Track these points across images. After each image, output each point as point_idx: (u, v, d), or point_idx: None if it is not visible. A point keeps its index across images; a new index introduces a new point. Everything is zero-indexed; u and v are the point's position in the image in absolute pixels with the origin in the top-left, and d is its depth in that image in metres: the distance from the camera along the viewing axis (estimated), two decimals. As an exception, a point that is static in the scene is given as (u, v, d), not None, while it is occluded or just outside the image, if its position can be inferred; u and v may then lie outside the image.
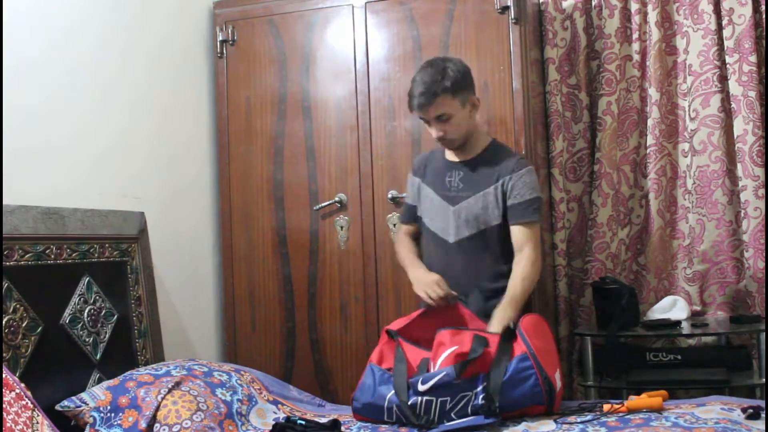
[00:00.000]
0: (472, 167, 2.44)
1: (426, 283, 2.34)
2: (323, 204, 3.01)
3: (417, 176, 2.57)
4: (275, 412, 2.22)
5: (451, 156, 2.50)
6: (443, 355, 2.10)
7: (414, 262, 2.51)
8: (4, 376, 1.75)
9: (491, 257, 2.43)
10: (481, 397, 2.01)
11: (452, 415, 2.02)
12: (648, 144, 3.16)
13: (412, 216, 2.60)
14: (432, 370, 2.10)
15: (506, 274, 2.38)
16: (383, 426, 2.07)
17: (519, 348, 2.08)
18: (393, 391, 2.08)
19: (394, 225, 2.87)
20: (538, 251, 2.39)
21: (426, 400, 2.03)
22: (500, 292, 2.34)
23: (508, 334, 2.11)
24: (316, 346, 3.03)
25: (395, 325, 2.30)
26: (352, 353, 2.98)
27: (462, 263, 2.42)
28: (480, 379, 2.04)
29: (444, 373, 2.03)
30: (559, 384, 2.09)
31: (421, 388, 2.04)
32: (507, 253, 2.41)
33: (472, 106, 2.41)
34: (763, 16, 2.98)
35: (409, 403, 2.04)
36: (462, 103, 2.36)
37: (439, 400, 2.03)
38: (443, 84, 2.30)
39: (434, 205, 2.48)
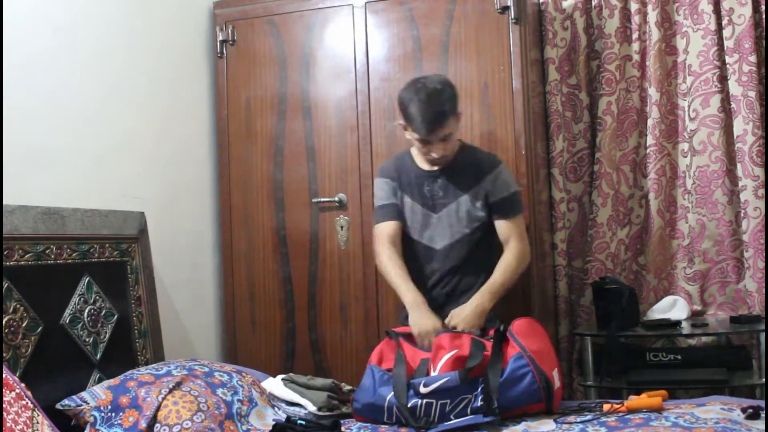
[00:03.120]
0: (449, 174, 2.48)
1: (424, 332, 2.28)
2: (322, 199, 3.02)
3: (394, 182, 2.54)
4: (275, 415, 2.22)
5: (424, 165, 2.51)
6: (443, 359, 2.11)
7: (410, 291, 2.39)
8: (4, 376, 1.75)
9: (477, 258, 2.49)
10: (480, 398, 2.01)
11: (451, 416, 2.03)
12: (648, 144, 3.16)
13: (395, 213, 2.51)
14: (432, 373, 2.10)
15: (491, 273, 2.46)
16: (383, 426, 2.07)
17: (512, 350, 2.09)
18: (392, 394, 2.08)
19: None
20: (525, 242, 2.47)
21: (426, 402, 2.04)
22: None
23: (499, 337, 2.12)
24: (316, 346, 3.04)
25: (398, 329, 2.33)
26: (352, 353, 2.98)
27: (449, 267, 2.48)
28: (479, 381, 2.05)
29: (447, 378, 2.04)
30: (557, 383, 2.09)
31: (423, 390, 2.04)
32: (493, 252, 2.49)
33: (458, 120, 2.46)
34: (763, 16, 2.98)
35: (409, 405, 2.05)
36: (457, 120, 2.42)
37: (440, 402, 2.04)
38: (447, 106, 2.35)
39: (416, 214, 2.50)
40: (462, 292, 2.46)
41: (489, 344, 2.14)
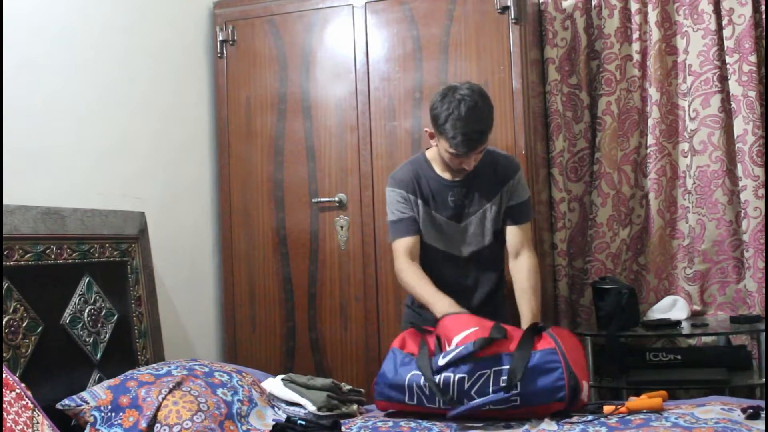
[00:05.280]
0: (473, 182, 2.42)
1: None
2: (322, 199, 3.03)
3: (413, 195, 2.43)
4: (274, 415, 2.22)
5: (445, 174, 2.43)
6: (461, 334, 2.10)
7: (443, 299, 2.28)
8: (4, 376, 1.75)
9: (498, 262, 2.52)
10: (502, 380, 2.00)
11: (472, 393, 2.01)
12: (648, 144, 3.16)
13: (413, 228, 2.42)
14: (447, 347, 2.11)
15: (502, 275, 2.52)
16: (384, 426, 2.07)
17: (545, 343, 2.05)
18: (413, 372, 2.08)
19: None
20: (534, 252, 2.46)
21: (444, 377, 2.02)
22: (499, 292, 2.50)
23: (534, 330, 2.10)
24: (316, 345, 3.04)
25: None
26: (352, 353, 2.98)
27: (474, 273, 2.47)
28: (500, 358, 2.02)
29: (462, 347, 2.03)
30: (585, 392, 2.05)
31: (441, 362, 2.04)
32: (502, 256, 2.52)
33: None
34: (763, 16, 2.99)
35: (435, 381, 2.04)
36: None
37: (457, 377, 2.01)
38: (487, 123, 2.28)
39: (438, 224, 2.44)
40: (483, 298, 2.48)
41: (514, 332, 2.11)
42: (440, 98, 2.28)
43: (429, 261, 2.45)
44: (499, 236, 2.48)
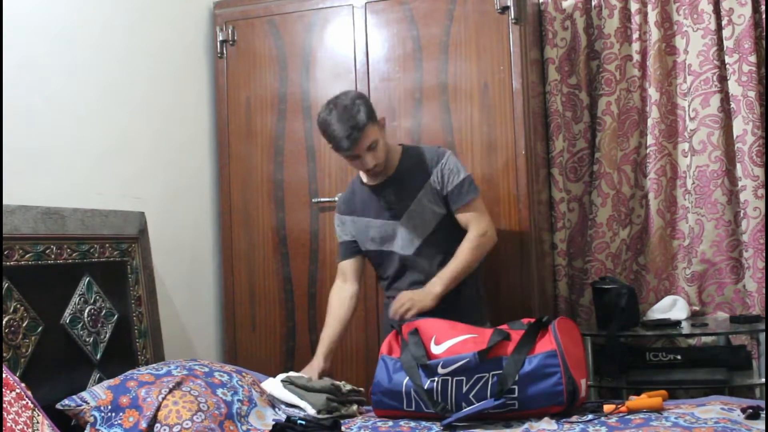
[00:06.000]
0: (399, 179, 2.48)
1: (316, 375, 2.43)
2: (322, 199, 3.03)
3: (347, 215, 2.57)
4: (274, 415, 2.22)
5: (371, 181, 2.52)
6: (459, 338, 2.10)
7: (320, 352, 2.54)
8: (4, 375, 1.75)
9: (448, 252, 2.48)
10: (497, 381, 2.00)
11: (470, 396, 2.01)
12: (648, 144, 3.16)
13: (350, 251, 2.59)
14: (434, 347, 2.11)
15: None
16: (384, 426, 2.07)
17: (548, 344, 2.05)
18: (408, 378, 2.09)
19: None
20: (483, 223, 2.46)
21: (442, 381, 2.03)
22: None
23: (537, 326, 2.10)
24: (316, 346, 3.03)
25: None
26: (352, 353, 2.98)
27: (425, 267, 2.48)
28: (500, 361, 2.03)
29: (467, 359, 2.03)
30: (583, 393, 2.05)
31: (441, 371, 2.04)
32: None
33: (382, 127, 2.46)
34: (763, 16, 2.99)
35: (425, 388, 2.05)
36: (379, 128, 2.43)
37: (455, 380, 2.02)
38: (360, 116, 2.35)
39: (380, 229, 2.51)
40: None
41: (514, 334, 2.11)
42: (320, 111, 2.43)
43: (384, 269, 2.55)
44: (447, 233, 2.47)
